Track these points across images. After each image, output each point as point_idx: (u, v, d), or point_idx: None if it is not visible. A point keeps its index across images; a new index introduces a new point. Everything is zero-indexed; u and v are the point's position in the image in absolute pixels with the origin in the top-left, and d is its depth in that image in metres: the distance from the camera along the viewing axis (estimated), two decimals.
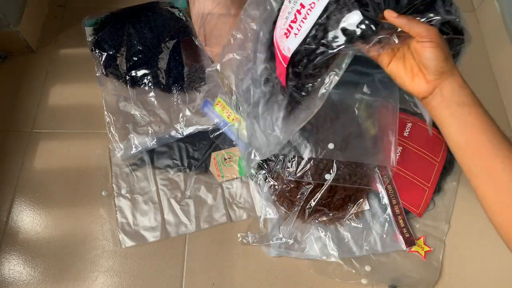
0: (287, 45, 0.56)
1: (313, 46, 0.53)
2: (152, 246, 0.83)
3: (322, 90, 0.56)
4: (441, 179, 0.88)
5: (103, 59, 0.95)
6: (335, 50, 0.51)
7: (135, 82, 0.95)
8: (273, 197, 0.84)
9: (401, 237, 0.81)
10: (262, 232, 0.83)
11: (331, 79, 0.55)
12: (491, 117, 0.44)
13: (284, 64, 0.57)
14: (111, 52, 0.95)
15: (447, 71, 0.45)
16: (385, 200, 0.84)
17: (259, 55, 0.67)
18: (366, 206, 0.84)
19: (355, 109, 0.79)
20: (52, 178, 0.89)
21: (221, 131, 0.89)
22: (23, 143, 0.93)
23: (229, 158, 0.88)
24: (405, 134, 0.89)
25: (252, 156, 0.76)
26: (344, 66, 0.54)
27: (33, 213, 0.86)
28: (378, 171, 0.84)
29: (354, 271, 0.80)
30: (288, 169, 0.79)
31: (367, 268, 0.80)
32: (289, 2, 0.56)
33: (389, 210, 0.83)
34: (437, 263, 0.81)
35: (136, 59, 0.94)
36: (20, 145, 0.92)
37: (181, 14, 1.03)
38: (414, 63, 0.48)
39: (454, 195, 0.88)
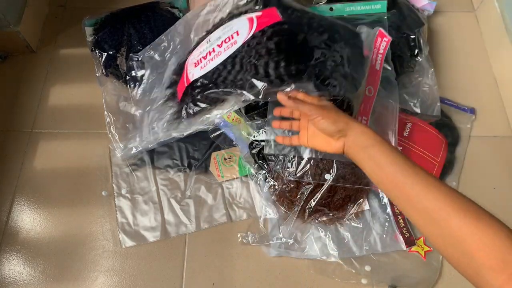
0: (193, 72, 0.70)
1: (208, 83, 0.68)
2: (152, 246, 0.83)
3: (203, 117, 0.70)
4: (441, 179, 0.88)
5: (103, 59, 0.95)
6: (221, 96, 0.66)
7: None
8: (273, 197, 0.84)
9: (401, 237, 0.81)
10: (262, 232, 0.83)
11: (214, 113, 0.69)
12: (396, 149, 0.51)
13: (185, 84, 0.71)
14: (111, 52, 0.95)
15: (343, 129, 0.54)
16: (385, 200, 0.84)
17: (170, 66, 0.82)
18: (366, 206, 0.84)
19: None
20: (52, 178, 0.89)
21: (221, 131, 0.89)
22: (23, 143, 0.93)
23: (229, 158, 0.88)
24: (405, 134, 0.89)
25: (131, 139, 0.83)
26: (230, 110, 0.68)
27: (33, 213, 0.86)
28: None
29: (354, 271, 0.80)
30: (288, 169, 0.79)
31: (367, 268, 0.80)
32: (206, 42, 0.72)
33: (389, 209, 0.83)
34: (437, 263, 0.81)
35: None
36: (20, 145, 0.92)
37: (181, 14, 1.03)
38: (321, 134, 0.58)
39: None
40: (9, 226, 0.84)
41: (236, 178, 0.88)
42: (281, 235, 0.82)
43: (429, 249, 0.82)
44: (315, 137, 0.60)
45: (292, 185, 0.80)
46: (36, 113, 0.96)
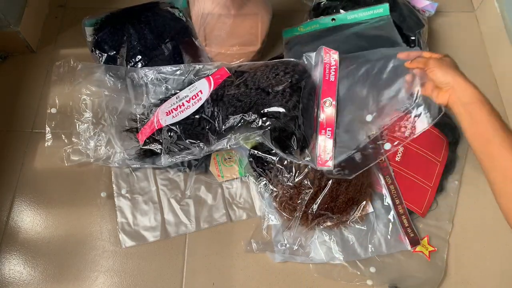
0: (165, 119, 0.82)
1: (179, 131, 0.80)
2: (152, 246, 0.83)
3: (161, 160, 0.82)
4: (443, 178, 0.88)
5: (103, 60, 0.95)
6: (176, 149, 0.81)
7: (137, 84, 0.94)
8: (274, 203, 0.83)
9: (405, 237, 0.81)
10: (266, 239, 0.83)
11: (166, 159, 0.81)
12: (495, 111, 0.54)
13: (156, 127, 0.82)
14: (111, 53, 0.95)
15: (450, 81, 0.58)
16: (388, 201, 0.83)
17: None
18: (370, 209, 0.83)
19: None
20: (52, 178, 0.89)
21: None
22: (23, 143, 0.93)
23: (229, 158, 0.88)
24: (406, 134, 0.89)
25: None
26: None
27: (33, 213, 0.86)
28: (380, 172, 0.84)
29: (359, 273, 0.79)
30: (286, 176, 0.79)
31: (372, 269, 0.79)
32: (176, 98, 0.85)
33: (392, 210, 0.83)
34: (442, 262, 0.81)
35: (136, 60, 0.94)
36: (20, 145, 0.92)
37: (181, 14, 1.02)
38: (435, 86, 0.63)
39: (456, 194, 0.88)
40: (9, 226, 0.84)
41: (236, 178, 0.88)
42: (285, 241, 0.81)
43: (433, 249, 0.82)
44: (432, 87, 0.63)
45: (292, 191, 0.80)
46: (36, 113, 0.96)
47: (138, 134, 0.87)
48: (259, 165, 0.84)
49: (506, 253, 0.83)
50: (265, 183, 0.83)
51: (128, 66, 0.94)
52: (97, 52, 0.96)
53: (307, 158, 0.74)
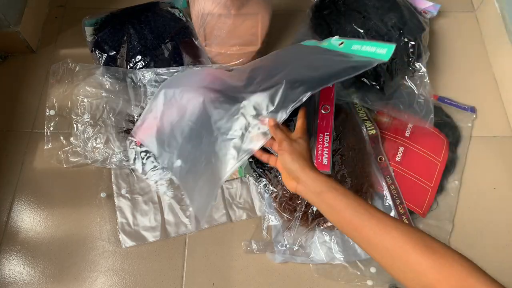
0: (163, 119, 0.77)
1: None
2: (152, 246, 0.83)
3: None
4: (444, 178, 0.88)
5: (103, 60, 0.95)
6: None
7: (136, 85, 0.94)
8: (274, 204, 0.83)
9: None
10: (266, 239, 0.83)
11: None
12: (349, 193, 0.52)
13: (153, 128, 0.78)
14: (111, 53, 0.95)
15: (296, 171, 0.57)
16: (389, 201, 0.83)
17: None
18: None
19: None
20: (52, 178, 0.89)
21: None
22: (23, 143, 0.93)
23: None
24: (407, 134, 0.89)
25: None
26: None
27: (33, 213, 0.86)
28: (380, 172, 0.84)
29: (359, 273, 0.79)
30: None
31: (372, 269, 0.79)
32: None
33: (393, 210, 0.82)
34: None
35: (136, 60, 0.94)
36: (20, 145, 0.92)
37: (181, 14, 1.02)
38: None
39: (457, 194, 0.88)
40: (9, 226, 0.84)
41: (236, 178, 0.88)
42: (285, 242, 0.81)
43: None
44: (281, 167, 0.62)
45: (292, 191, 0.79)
46: (36, 113, 0.96)
47: None
48: (259, 166, 0.84)
49: (506, 253, 0.83)
50: (265, 184, 0.83)
51: (128, 67, 0.94)
52: (97, 52, 0.96)
53: None
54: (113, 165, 0.88)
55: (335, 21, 0.93)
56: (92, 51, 0.97)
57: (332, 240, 0.81)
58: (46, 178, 0.89)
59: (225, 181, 0.88)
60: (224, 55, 0.97)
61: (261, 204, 0.85)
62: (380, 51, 0.65)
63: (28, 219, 0.85)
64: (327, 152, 0.75)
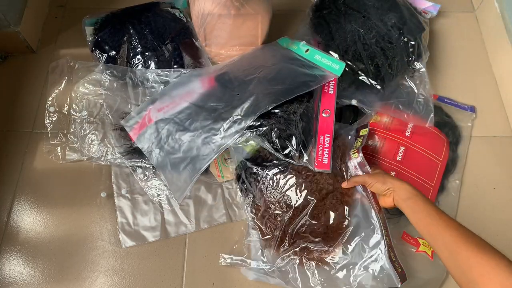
0: (157, 115, 0.84)
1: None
2: (152, 246, 0.83)
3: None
4: (444, 178, 0.88)
5: (103, 60, 0.95)
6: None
7: (135, 84, 0.95)
8: (255, 219, 0.79)
9: (394, 272, 0.70)
10: (243, 254, 0.80)
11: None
12: (428, 200, 0.64)
13: (147, 123, 0.83)
14: (111, 54, 0.95)
15: (390, 187, 0.68)
16: (378, 231, 0.72)
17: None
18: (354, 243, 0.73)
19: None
20: (52, 178, 0.89)
21: None
22: (23, 143, 0.93)
23: (229, 159, 0.88)
24: (407, 134, 0.89)
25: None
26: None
27: (34, 213, 0.86)
28: (372, 202, 0.74)
29: None
30: (271, 190, 0.77)
31: None
32: (168, 96, 0.88)
33: (382, 242, 0.71)
34: None
35: (136, 61, 0.94)
36: (20, 145, 0.92)
37: (181, 14, 1.02)
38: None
39: (458, 193, 0.88)
40: (9, 226, 0.84)
41: None
42: (265, 259, 0.78)
43: None
44: (379, 198, 0.74)
45: (275, 206, 0.76)
46: (36, 113, 0.96)
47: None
48: (249, 177, 0.81)
49: (506, 252, 0.83)
50: (253, 199, 0.79)
51: (128, 67, 0.94)
52: (97, 52, 0.96)
53: (305, 160, 0.74)
54: (108, 162, 0.88)
55: (335, 20, 0.93)
56: (92, 51, 0.97)
57: (312, 270, 0.74)
58: (46, 178, 0.89)
59: (225, 181, 0.88)
60: (224, 55, 0.97)
61: (247, 218, 0.81)
62: (334, 66, 0.82)
63: (28, 219, 0.85)
64: (327, 152, 0.76)
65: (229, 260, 0.80)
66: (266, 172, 0.78)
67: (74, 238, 0.83)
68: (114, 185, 0.87)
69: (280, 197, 0.77)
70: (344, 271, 0.73)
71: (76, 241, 0.83)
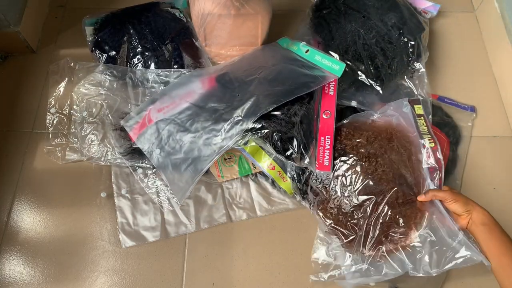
0: (157, 115, 0.83)
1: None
2: (152, 246, 0.83)
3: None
4: (445, 178, 0.88)
5: (103, 60, 0.95)
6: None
7: (135, 84, 0.95)
8: (332, 223, 0.76)
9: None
10: (327, 268, 0.77)
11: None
12: (503, 230, 0.66)
13: (147, 123, 0.83)
14: (111, 54, 0.95)
15: (470, 209, 0.68)
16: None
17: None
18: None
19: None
20: (52, 178, 0.89)
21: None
22: (23, 143, 0.93)
23: (229, 159, 0.88)
24: None
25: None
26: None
27: (34, 213, 0.86)
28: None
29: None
30: (346, 187, 0.75)
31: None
32: (168, 97, 0.87)
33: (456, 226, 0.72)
34: None
35: (136, 61, 0.94)
36: (20, 145, 0.92)
37: (181, 15, 1.02)
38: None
39: None
40: (9, 226, 0.84)
41: (236, 178, 0.88)
42: (351, 262, 0.75)
43: None
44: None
45: (352, 203, 0.74)
46: (36, 113, 0.96)
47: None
48: (316, 183, 0.79)
49: None
50: (326, 202, 0.77)
51: (128, 67, 0.94)
52: (97, 52, 0.96)
53: (306, 161, 0.74)
54: (108, 162, 0.88)
55: (335, 20, 0.93)
56: (92, 51, 0.97)
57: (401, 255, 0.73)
58: (46, 178, 0.89)
59: (225, 181, 0.88)
60: (224, 55, 0.97)
61: (318, 228, 0.79)
62: (334, 67, 0.82)
63: (28, 219, 0.85)
64: (328, 154, 0.76)
65: (323, 279, 0.77)
66: (335, 173, 0.76)
67: (74, 238, 0.83)
68: (114, 185, 0.87)
69: (355, 193, 0.74)
70: (429, 253, 0.73)
71: (76, 241, 0.83)
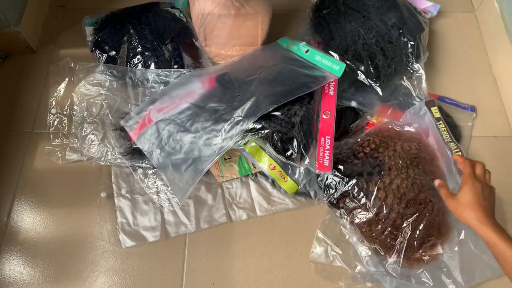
0: (157, 116, 0.83)
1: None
2: (152, 246, 0.83)
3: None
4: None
5: (103, 60, 0.95)
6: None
7: (135, 84, 0.95)
8: (372, 233, 0.76)
9: None
10: (365, 276, 0.77)
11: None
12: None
13: (147, 124, 0.83)
14: (111, 54, 0.95)
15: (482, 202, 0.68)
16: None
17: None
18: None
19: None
20: (52, 178, 0.89)
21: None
22: (23, 143, 0.93)
23: (229, 158, 0.88)
24: None
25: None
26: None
27: (34, 213, 0.86)
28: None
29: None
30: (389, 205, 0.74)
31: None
32: (168, 97, 0.87)
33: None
34: None
35: (136, 61, 0.94)
36: (20, 145, 0.92)
37: (181, 15, 1.02)
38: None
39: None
40: (9, 226, 0.84)
41: (236, 178, 0.88)
42: (390, 271, 0.75)
43: None
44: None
45: (395, 210, 0.74)
46: (36, 113, 0.96)
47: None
48: (355, 193, 0.78)
49: None
50: (365, 212, 0.76)
51: (128, 67, 0.94)
52: (97, 52, 0.96)
53: (306, 161, 0.74)
54: (108, 162, 0.88)
55: (335, 20, 0.93)
56: (92, 51, 0.97)
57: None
58: (46, 178, 0.89)
59: (225, 181, 0.88)
60: (224, 55, 0.97)
61: (352, 242, 0.79)
62: (334, 67, 0.82)
63: (28, 219, 0.85)
64: (328, 154, 0.76)
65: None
66: (374, 179, 0.76)
67: (74, 238, 0.83)
68: (114, 185, 0.87)
69: (401, 208, 0.74)
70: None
71: (76, 241, 0.83)
